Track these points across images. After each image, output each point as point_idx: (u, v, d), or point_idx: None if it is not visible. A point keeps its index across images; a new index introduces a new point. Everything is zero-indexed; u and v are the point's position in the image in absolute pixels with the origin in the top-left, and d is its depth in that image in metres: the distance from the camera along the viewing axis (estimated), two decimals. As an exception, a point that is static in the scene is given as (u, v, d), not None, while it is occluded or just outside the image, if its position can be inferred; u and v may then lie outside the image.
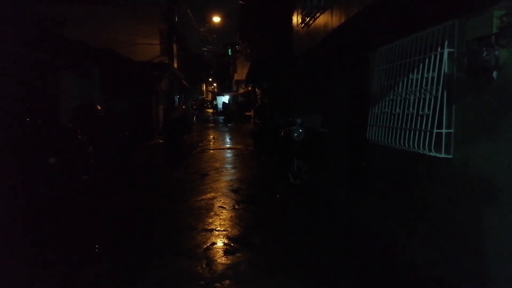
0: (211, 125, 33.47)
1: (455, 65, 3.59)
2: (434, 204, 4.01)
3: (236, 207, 6.80)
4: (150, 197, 7.74)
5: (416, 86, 4.08)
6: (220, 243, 5.07)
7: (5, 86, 7.63)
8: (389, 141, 4.58)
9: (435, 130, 3.69)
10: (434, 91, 3.76)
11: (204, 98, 61.18)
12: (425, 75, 3.89)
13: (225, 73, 46.73)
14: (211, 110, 57.25)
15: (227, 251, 4.77)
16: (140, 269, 4.29)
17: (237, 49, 31.54)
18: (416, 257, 4.26)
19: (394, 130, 4.48)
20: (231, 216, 6.24)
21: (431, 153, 3.75)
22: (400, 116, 4.37)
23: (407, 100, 4.28)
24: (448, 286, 3.64)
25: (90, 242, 5.12)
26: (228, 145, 17.37)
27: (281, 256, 4.64)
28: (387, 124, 4.68)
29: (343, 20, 6.84)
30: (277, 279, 4.02)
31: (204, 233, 5.44)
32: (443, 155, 3.70)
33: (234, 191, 8.04)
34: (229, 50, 33.62)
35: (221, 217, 6.21)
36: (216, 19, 25.97)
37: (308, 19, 10.09)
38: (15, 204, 6.02)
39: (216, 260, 4.49)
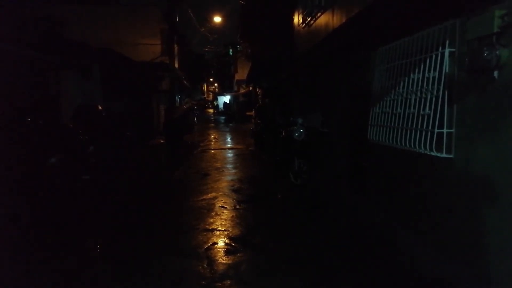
0: (212, 125, 33.48)
1: (456, 64, 3.59)
2: (435, 204, 4.01)
3: (237, 207, 6.81)
4: (151, 197, 7.74)
5: (417, 85, 4.08)
6: (221, 243, 5.07)
7: (6, 86, 7.63)
8: (390, 141, 4.58)
9: (436, 130, 3.69)
10: (435, 91, 3.76)
11: (205, 98, 61.18)
12: (426, 74, 3.89)
13: (226, 73, 46.76)
14: (212, 110, 57.26)
15: (228, 251, 4.77)
16: (141, 268, 4.29)
17: (238, 49, 31.54)
18: (418, 257, 4.26)
19: (395, 130, 4.48)
20: (232, 216, 6.25)
21: (432, 153, 3.75)
22: (401, 116, 4.37)
23: (408, 100, 4.28)
24: (450, 285, 3.64)
25: (91, 242, 5.13)
26: (229, 145, 17.37)
27: (282, 256, 4.64)
28: (388, 124, 4.68)
29: (344, 20, 6.84)
30: (278, 279, 4.02)
31: (205, 233, 5.44)
32: (444, 155, 3.70)
33: (235, 191, 8.04)
34: (230, 50, 33.64)
35: (222, 217, 6.21)
36: (217, 19, 25.99)
37: (309, 19, 10.09)
38: (16, 204, 6.03)
39: (217, 260, 4.49)
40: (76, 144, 7.91)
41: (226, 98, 45.68)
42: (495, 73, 3.06)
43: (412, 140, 4.03)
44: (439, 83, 3.70)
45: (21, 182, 6.31)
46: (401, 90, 4.43)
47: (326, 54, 7.90)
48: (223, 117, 40.76)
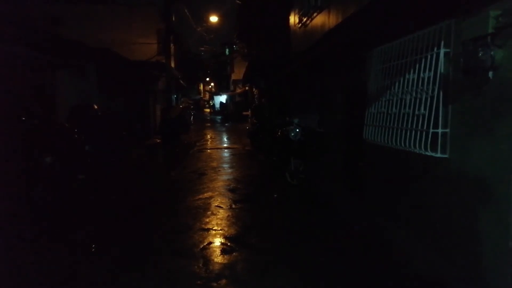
0: (209, 124, 33.46)
1: (452, 65, 3.61)
2: (430, 204, 4.02)
3: (233, 206, 6.81)
4: (147, 197, 7.73)
5: (412, 86, 4.09)
6: (217, 242, 5.07)
7: (1, 86, 7.59)
8: (386, 141, 4.59)
9: (431, 130, 3.70)
10: (430, 91, 3.77)
11: (202, 97, 61.06)
12: (422, 75, 3.91)
13: (222, 72, 46.72)
14: (208, 110, 57.21)
15: (224, 251, 4.77)
16: (136, 268, 4.29)
17: (235, 48, 31.52)
18: (414, 257, 4.27)
19: (391, 130, 4.49)
20: (228, 216, 6.25)
21: (427, 153, 3.76)
22: (397, 116, 4.38)
23: (403, 100, 4.29)
24: (446, 285, 3.66)
25: (87, 242, 5.11)
26: (225, 145, 17.37)
27: (278, 256, 4.65)
28: (384, 124, 4.69)
29: (340, 20, 6.86)
30: (274, 279, 4.02)
31: (201, 233, 5.44)
32: (439, 155, 3.71)
33: (231, 190, 8.04)
34: (227, 50, 33.61)
35: (218, 216, 6.21)
36: (214, 18, 25.97)
37: (305, 19, 10.10)
38: (12, 203, 6.00)
39: (213, 260, 4.49)
40: (72, 144, 7.89)
41: (223, 98, 45.65)
42: (490, 74, 3.08)
43: (408, 140, 4.05)
44: (434, 83, 3.72)
45: (16, 181, 6.28)
46: (396, 90, 4.44)
47: (322, 54, 7.91)
48: (219, 117, 40.76)
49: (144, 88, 17.56)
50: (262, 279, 4.02)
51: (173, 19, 20.35)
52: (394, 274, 4.02)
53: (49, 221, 5.88)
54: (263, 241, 5.17)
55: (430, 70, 3.76)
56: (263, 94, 21.12)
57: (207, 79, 62.97)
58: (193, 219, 6.08)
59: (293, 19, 12.31)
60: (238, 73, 33.40)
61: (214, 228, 5.62)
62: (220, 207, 6.75)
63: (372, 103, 5.13)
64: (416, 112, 3.97)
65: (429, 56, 3.78)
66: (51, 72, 10.06)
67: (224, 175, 9.80)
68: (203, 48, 38.17)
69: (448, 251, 3.68)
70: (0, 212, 5.62)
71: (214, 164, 11.66)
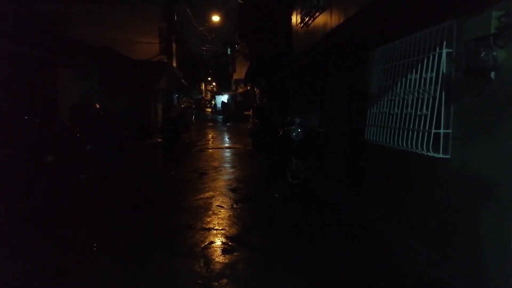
0: (210, 124, 33.48)
1: (454, 65, 3.60)
2: (431, 204, 4.02)
3: (235, 206, 6.81)
4: (148, 196, 7.73)
5: (414, 86, 4.09)
6: (218, 242, 5.07)
7: (4, 85, 7.61)
8: (387, 141, 4.58)
9: (433, 130, 3.70)
10: (432, 91, 3.77)
11: (203, 97, 61.05)
12: (424, 75, 3.90)
13: (224, 72, 46.71)
14: (210, 110, 57.25)
15: (225, 250, 4.77)
16: (137, 268, 4.29)
17: (236, 48, 31.53)
18: (414, 257, 4.26)
19: (392, 130, 4.49)
20: (229, 215, 6.25)
21: (429, 154, 3.75)
22: (399, 116, 4.37)
23: (405, 100, 4.29)
24: (446, 285, 3.65)
25: (87, 241, 5.12)
26: (226, 144, 17.37)
27: (279, 255, 4.65)
28: (386, 124, 4.69)
29: (342, 20, 6.85)
30: (274, 278, 4.02)
31: (202, 232, 5.44)
32: (441, 156, 3.70)
33: (232, 190, 8.03)
34: (229, 50, 33.62)
35: (219, 216, 6.21)
36: (216, 18, 25.99)
37: (307, 19, 10.10)
38: (13, 202, 6.01)
39: (214, 259, 4.49)
40: (73, 143, 7.89)
41: (224, 98, 45.70)
42: (492, 74, 3.07)
43: (409, 141, 4.04)
44: (436, 84, 3.71)
45: (18, 180, 6.29)
46: (398, 90, 4.43)
47: (324, 54, 7.90)
48: (221, 117, 40.79)
49: (145, 87, 17.57)
50: (263, 279, 4.01)
51: (175, 18, 20.34)
52: (395, 274, 4.01)
53: (50, 220, 5.88)
54: (264, 241, 5.17)
55: (432, 70, 3.75)
56: (264, 93, 21.12)
57: (209, 78, 62.94)
58: (194, 218, 6.08)
59: (295, 18, 12.30)
60: (239, 73, 33.36)
61: (215, 228, 5.62)
62: (221, 206, 6.75)
63: (374, 103, 5.12)
64: (418, 113, 3.96)
65: (431, 56, 3.77)
66: (53, 71, 10.07)
67: (225, 174, 9.80)
68: (204, 48, 38.15)
69: (449, 251, 3.68)
70: (1, 211, 5.63)
71: (215, 163, 11.66)
